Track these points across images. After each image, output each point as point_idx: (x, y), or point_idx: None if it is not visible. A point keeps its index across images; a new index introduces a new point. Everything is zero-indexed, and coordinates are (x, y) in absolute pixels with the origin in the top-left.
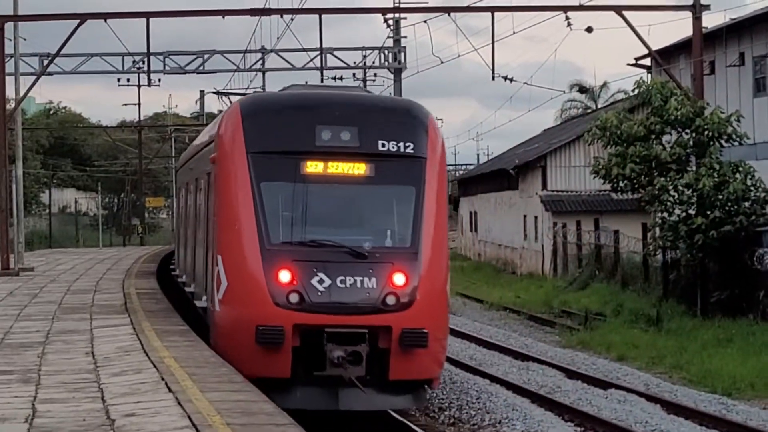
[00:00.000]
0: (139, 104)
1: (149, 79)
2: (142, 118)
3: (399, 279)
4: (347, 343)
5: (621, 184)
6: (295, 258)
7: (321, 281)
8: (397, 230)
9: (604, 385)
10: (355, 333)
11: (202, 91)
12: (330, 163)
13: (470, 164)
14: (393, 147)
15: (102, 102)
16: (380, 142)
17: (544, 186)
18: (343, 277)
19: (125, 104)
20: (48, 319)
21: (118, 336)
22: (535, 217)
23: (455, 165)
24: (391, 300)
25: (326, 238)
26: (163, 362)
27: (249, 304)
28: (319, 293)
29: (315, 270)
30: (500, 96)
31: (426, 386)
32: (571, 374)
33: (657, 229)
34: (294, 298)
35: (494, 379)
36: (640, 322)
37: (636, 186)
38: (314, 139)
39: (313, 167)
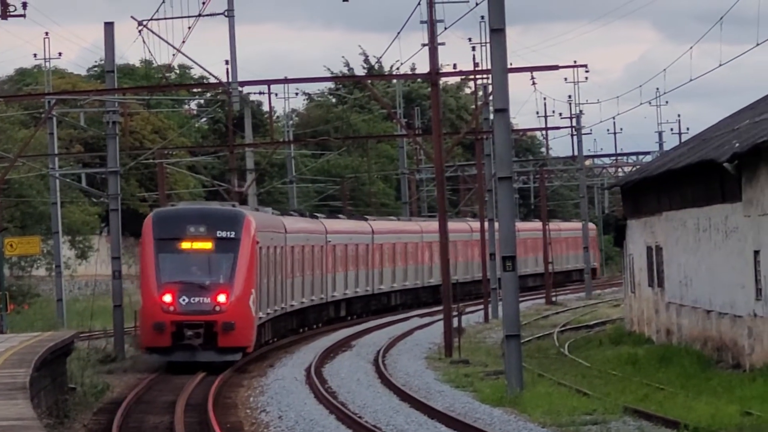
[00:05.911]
0: None
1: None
2: None
3: (221, 298)
4: (194, 329)
5: None
6: (172, 289)
7: (184, 299)
8: (223, 274)
9: None
10: (198, 323)
11: (108, 23)
12: (193, 243)
13: (644, 153)
14: (224, 234)
15: None
16: (218, 232)
17: None
18: (194, 298)
19: None
20: None
21: None
22: None
23: (615, 156)
24: (217, 308)
25: (187, 279)
26: None
27: (150, 311)
28: (183, 306)
29: (181, 294)
30: (697, 16)
31: (244, 351)
32: None
33: None
34: (171, 308)
35: None
36: None
37: None
38: (185, 231)
39: (185, 245)
